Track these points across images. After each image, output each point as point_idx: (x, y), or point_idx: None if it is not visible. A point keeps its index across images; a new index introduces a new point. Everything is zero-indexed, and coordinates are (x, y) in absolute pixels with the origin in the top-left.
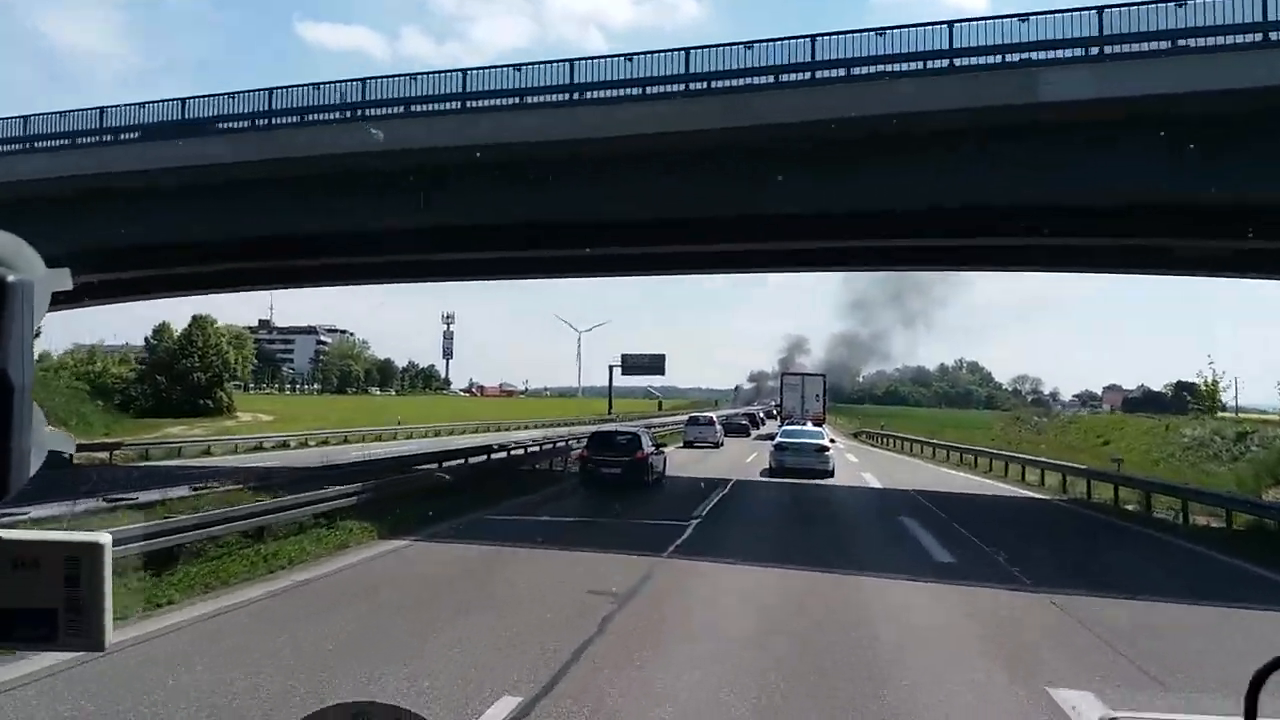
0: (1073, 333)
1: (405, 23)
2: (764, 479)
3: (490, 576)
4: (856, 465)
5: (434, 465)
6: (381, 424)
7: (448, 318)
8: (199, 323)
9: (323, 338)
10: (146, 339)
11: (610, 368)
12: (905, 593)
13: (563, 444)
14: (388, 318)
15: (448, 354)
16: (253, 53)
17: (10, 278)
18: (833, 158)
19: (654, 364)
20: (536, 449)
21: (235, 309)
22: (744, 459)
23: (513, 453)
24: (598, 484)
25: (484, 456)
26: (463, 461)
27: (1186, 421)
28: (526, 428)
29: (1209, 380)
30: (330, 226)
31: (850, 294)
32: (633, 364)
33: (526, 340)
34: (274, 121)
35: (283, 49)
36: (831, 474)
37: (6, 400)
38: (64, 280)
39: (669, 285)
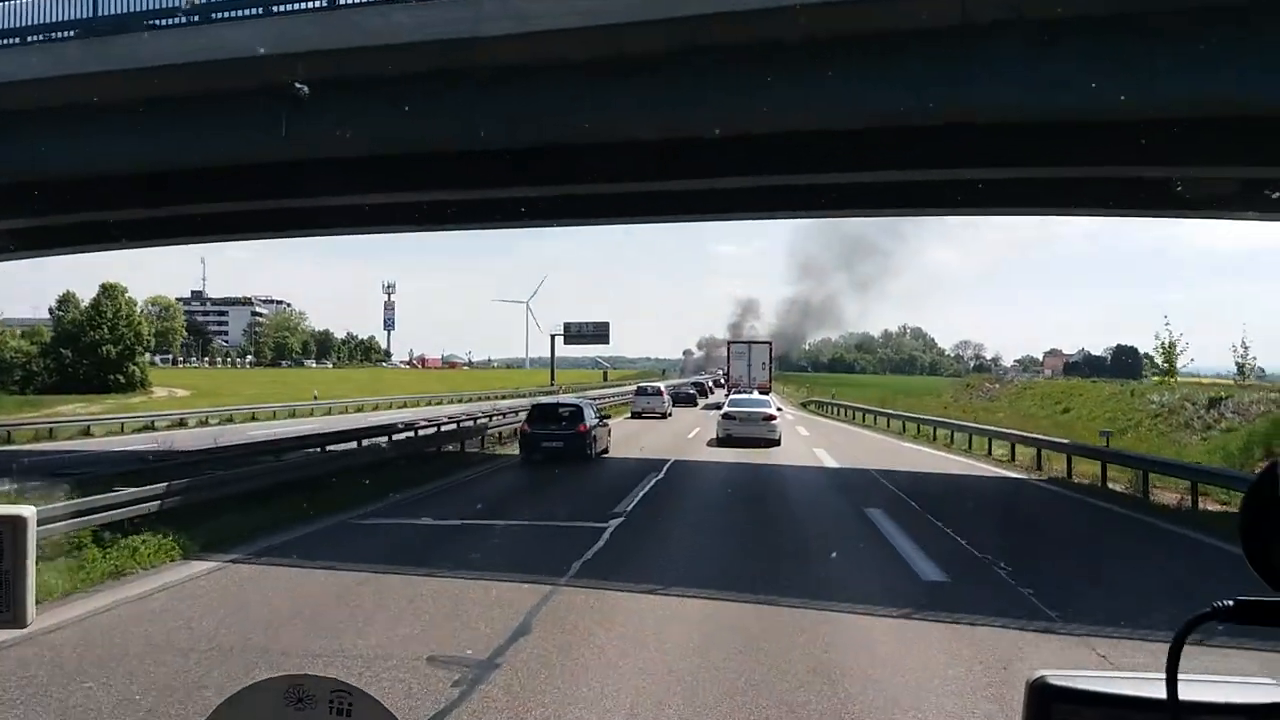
0: (1013, 300)
1: None
2: (706, 458)
3: (305, 627)
4: (808, 439)
5: (318, 449)
6: (305, 399)
7: (389, 287)
8: (108, 291)
9: (258, 309)
10: (51, 309)
11: (552, 337)
12: (894, 642)
13: (482, 420)
14: (329, 288)
15: (389, 325)
16: None
17: None
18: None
19: (598, 332)
20: (454, 426)
21: (166, 279)
22: (687, 433)
23: (421, 432)
24: (539, 458)
25: (384, 439)
26: (355, 445)
27: (1151, 387)
28: (459, 401)
29: (1166, 343)
30: (174, 159)
31: (801, 257)
32: (576, 333)
33: (474, 312)
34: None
35: None
36: (779, 443)
37: None
38: None
39: (619, 250)
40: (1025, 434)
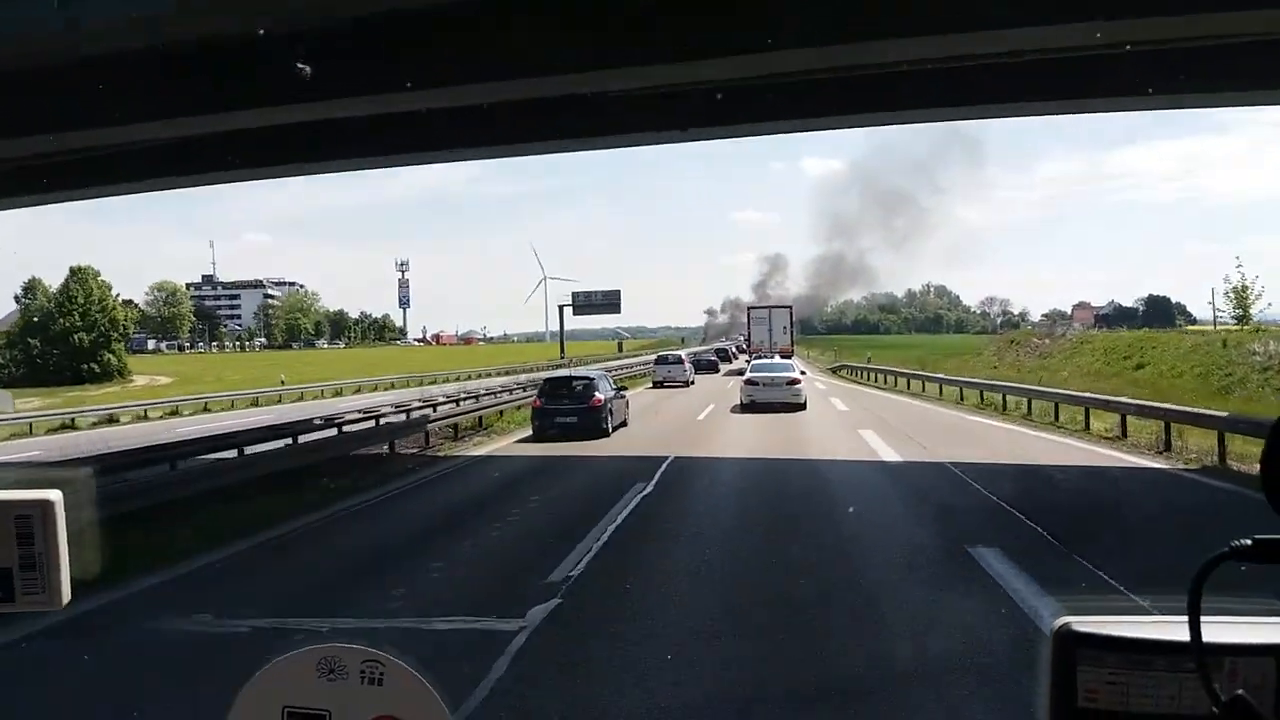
0: (1035, 257)
1: None
2: (716, 451)
3: None
4: (849, 417)
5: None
6: (294, 382)
7: (402, 265)
8: (77, 275)
9: (270, 291)
10: (16, 296)
11: (560, 308)
12: None
13: (423, 411)
14: (348, 270)
15: (404, 303)
16: None
17: None
18: None
19: (608, 301)
20: (403, 418)
21: (175, 264)
22: (699, 410)
23: (348, 428)
24: (554, 433)
25: (287, 439)
26: (237, 453)
27: (1247, 335)
28: (454, 380)
29: (1238, 286)
30: None
31: (830, 214)
32: (585, 303)
33: (494, 287)
34: None
35: None
36: (804, 407)
37: None
38: None
39: (638, 221)
40: (1144, 402)
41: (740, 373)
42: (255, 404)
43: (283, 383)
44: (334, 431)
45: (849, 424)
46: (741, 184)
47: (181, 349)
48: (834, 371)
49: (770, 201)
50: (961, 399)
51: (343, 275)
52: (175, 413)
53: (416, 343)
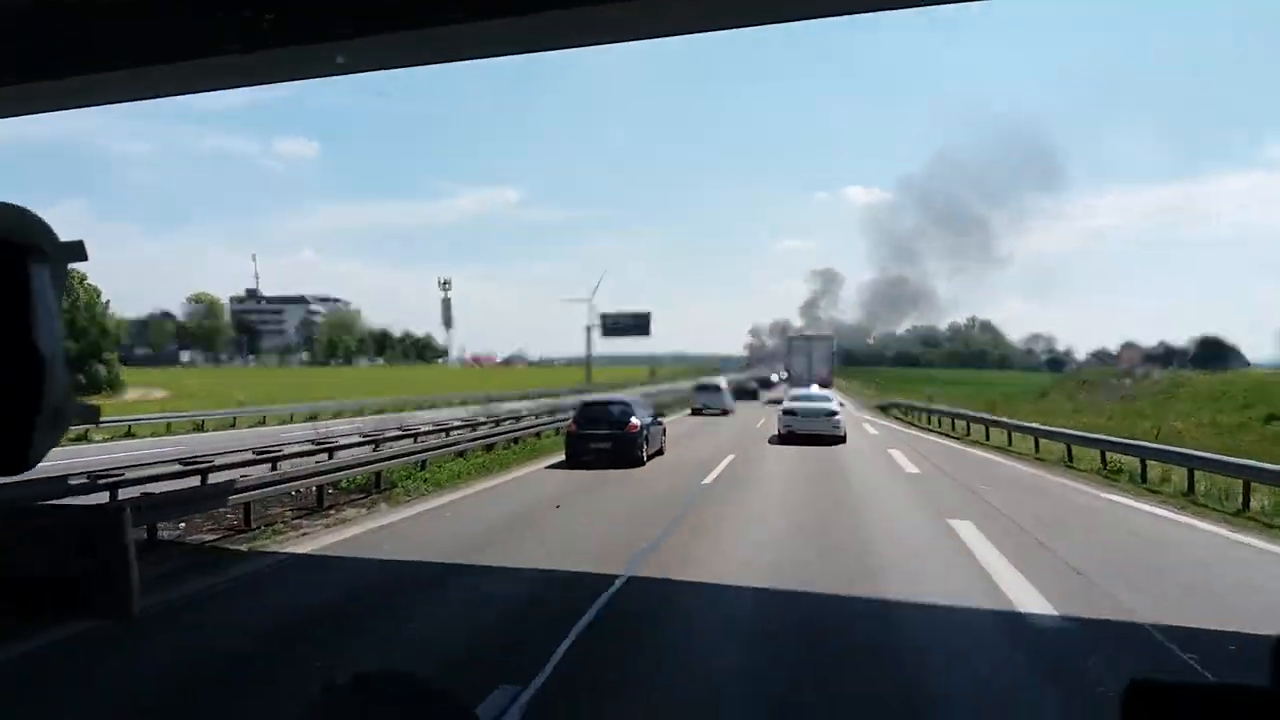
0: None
1: None
2: (720, 576)
3: None
4: (928, 490)
5: None
6: (311, 398)
7: (444, 284)
8: None
9: (314, 307)
10: None
11: (588, 329)
12: None
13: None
14: (393, 288)
15: (447, 322)
16: None
17: (30, 251)
18: None
19: (638, 324)
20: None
21: (223, 278)
22: (708, 469)
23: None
24: (588, 459)
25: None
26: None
27: None
28: (463, 404)
29: None
30: None
31: (889, 234)
32: (614, 325)
33: (540, 311)
34: None
35: None
36: (843, 439)
37: (37, 373)
38: (79, 252)
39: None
40: None
41: (778, 401)
42: (200, 429)
43: (240, 404)
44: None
45: (930, 505)
46: (783, 213)
47: (218, 361)
48: (884, 410)
49: (813, 230)
50: (1070, 460)
51: (391, 295)
52: (81, 438)
53: (458, 363)
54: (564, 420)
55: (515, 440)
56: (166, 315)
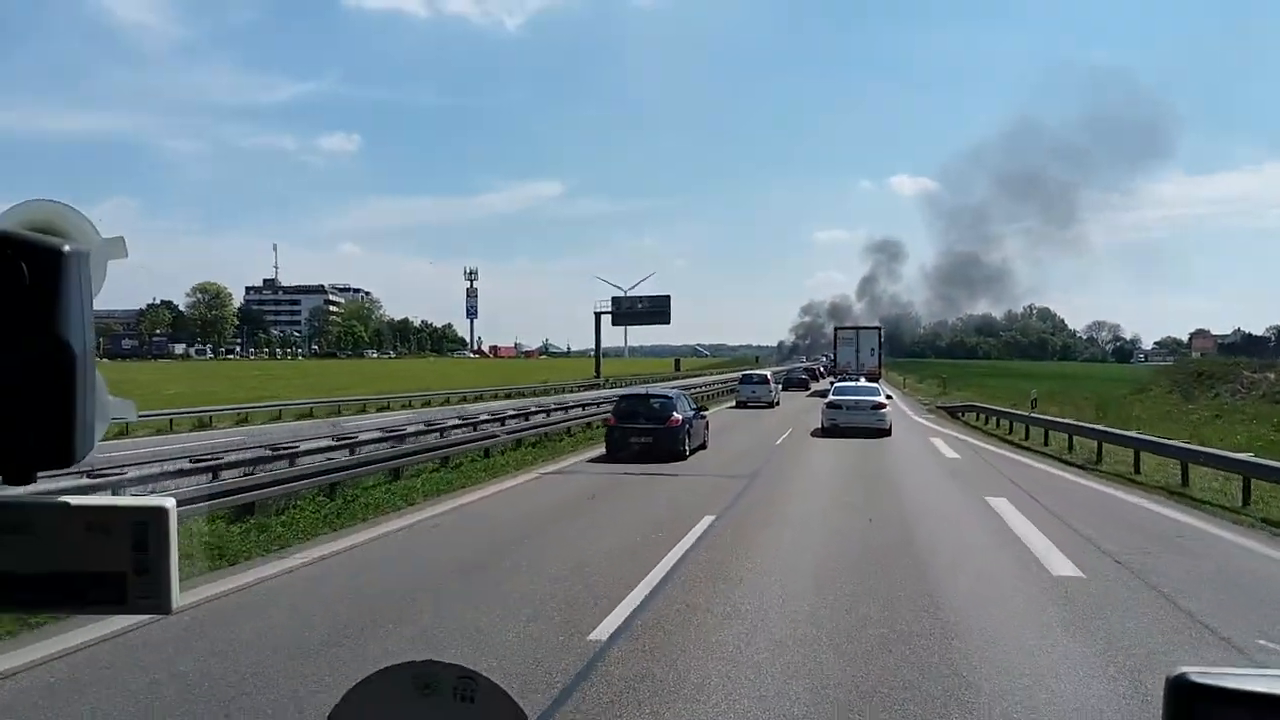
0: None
1: None
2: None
3: None
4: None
5: None
6: (279, 397)
7: (470, 274)
8: None
9: (332, 297)
10: None
11: (598, 316)
12: None
13: None
14: (428, 281)
15: (471, 313)
16: (294, 20)
17: (66, 247)
18: None
19: (655, 309)
20: None
21: (240, 266)
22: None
23: None
24: (628, 454)
25: None
26: None
27: None
28: (446, 401)
29: None
30: None
31: (964, 210)
32: (628, 310)
33: (574, 302)
34: None
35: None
36: (888, 432)
37: (69, 368)
38: (119, 249)
39: (715, 243)
40: None
41: (824, 394)
42: (125, 433)
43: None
44: None
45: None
46: (826, 202)
47: (218, 353)
48: (952, 415)
49: (857, 220)
50: (1246, 502)
51: (426, 287)
52: None
53: (473, 354)
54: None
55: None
56: (167, 305)
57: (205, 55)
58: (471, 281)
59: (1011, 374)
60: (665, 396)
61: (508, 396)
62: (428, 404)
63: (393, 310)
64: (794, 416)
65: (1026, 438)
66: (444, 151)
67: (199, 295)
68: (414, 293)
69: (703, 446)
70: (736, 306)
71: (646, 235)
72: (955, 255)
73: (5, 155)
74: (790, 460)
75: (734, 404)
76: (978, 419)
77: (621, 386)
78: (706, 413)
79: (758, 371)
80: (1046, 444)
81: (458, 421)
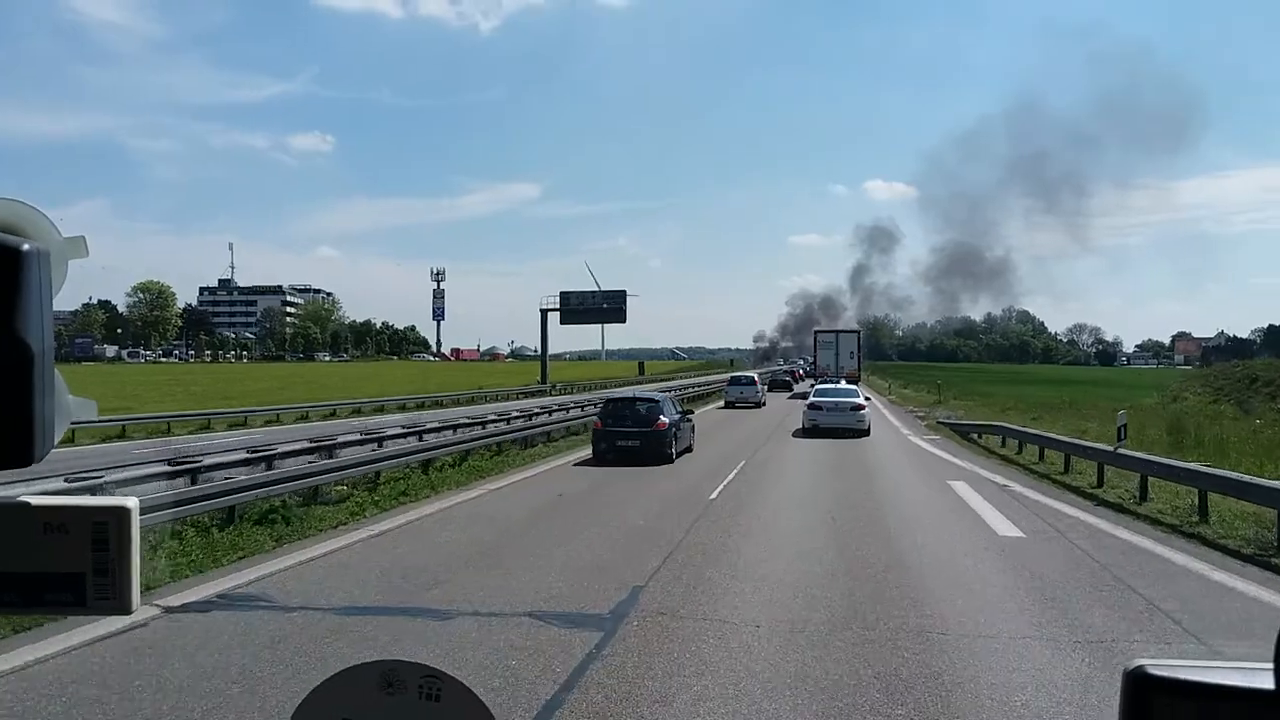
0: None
1: None
2: None
3: None
4: None
5: None
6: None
7: (437, 275)
8: None
9: (290, 298)
10: None
11: (543, 314)
12: None
13: None
14: (401, 283)
15: (439, 315)
16: (266, 22)
17: (25, 246)
18: None
19: (608, 306)
20: None
21: (212, 267)
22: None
23: None
24: (613, 457)
25: None
26: None
27: None
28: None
29: None
30: None
31: (963, 198)
32: (578, 305)
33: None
34: None
35: (294, 17)
36: (867, 432)
37: (27, 368)
38: (79, 249)
39: (689, 246)
40: None
41: (805, 395)
42: None
43: None
44: None
45: None
46: (800, 208)
47: (166, 355)
48: (963, 435)
49: (831, 225)
50: None
51: (399, 289)
52: None
53: (432, 358)
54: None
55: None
56: (102, 305)
57: (177, 55)
58: (438, 283)
59: (1006, 379)
60: (652, 400)
61: (419, 407)
62: (304, 418)
63: (366, 312)
64: (777, 422)
65: (1100, 484)
66: (420, 154)
67: (140, 295)
68: (388, 295)
69: (689, 450)
70: (713, 309)
71: (621, 236)
72: (954, 247)
73: None
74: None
75: (722, 404)
76: (1002, 444)
77: (572, 393)
78: (693, 416)
79: (745, 374)
80: (1144, 498)
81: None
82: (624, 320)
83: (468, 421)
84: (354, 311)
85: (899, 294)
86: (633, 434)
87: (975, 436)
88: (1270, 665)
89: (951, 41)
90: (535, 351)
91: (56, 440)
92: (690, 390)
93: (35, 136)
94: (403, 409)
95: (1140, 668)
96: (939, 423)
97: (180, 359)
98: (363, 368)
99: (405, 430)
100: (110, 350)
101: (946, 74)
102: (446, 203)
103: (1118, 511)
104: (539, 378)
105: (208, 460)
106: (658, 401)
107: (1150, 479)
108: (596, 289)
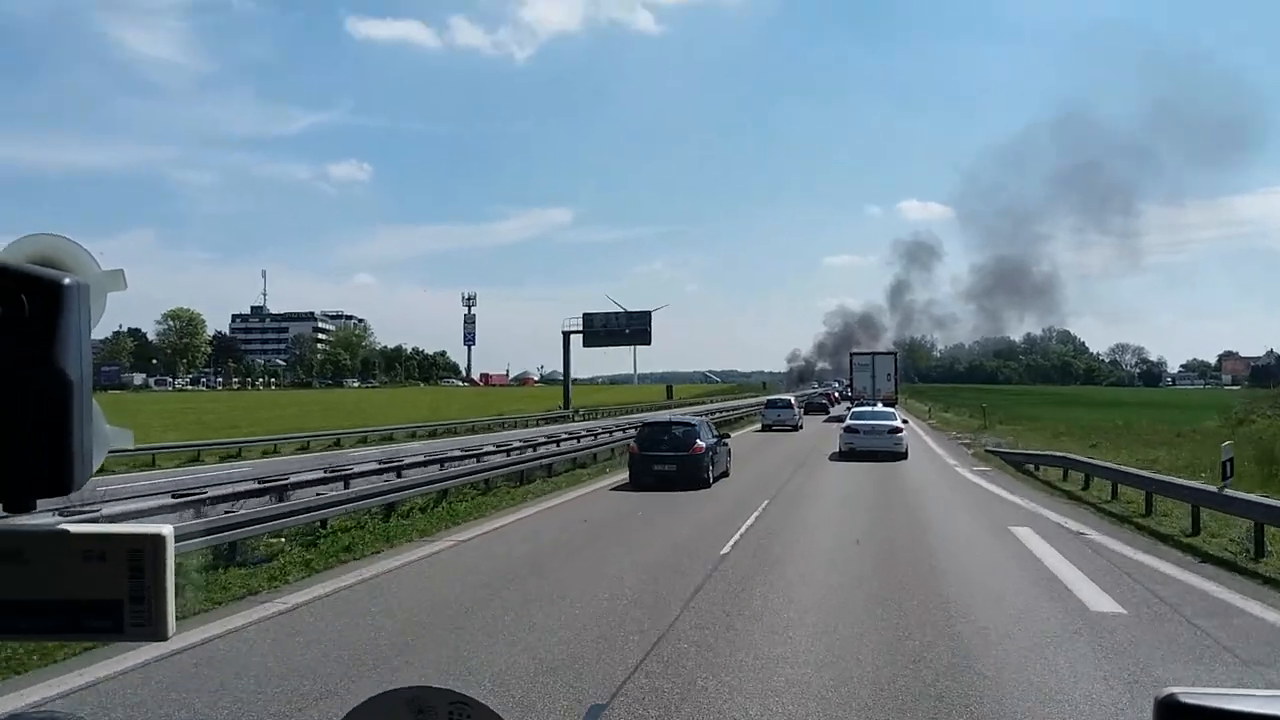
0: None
1: (453, 12)
2: None
3: None
4: None
5: None
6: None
7: (468, 300)
8: None
9: (322, 324)
10: None
11: (566, 336)
12: None
13: None
14: (423, 306)
15: (469, 340)
16: (307, 52)
17: (66, 280)
18: None
19: (633, 328)
20: None
21: (238, 292)
22: None
23: None
24: (649, 481)
25: None
26: None
27: None
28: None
29: None
30: None
31: (1004, 209)
32: (602, 328)
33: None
34: None
35: (335, 47)
36: (905, 455)
37: (66, 398)
38: (118, 281)
39: (723, 270)
40: None
41: (840, 419)
42: None
43: None
44: None
45: None
46: (835, 227)
47: (197, 382)
48: (1022, 470)
49: (865, 246)
50: None
51: (435, 315)
52: None
53: (461, 383)
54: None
55: None
56: (132, 333)
57: (221, 88)
58: (470, 307)
59: (1052, 401)
60: (688, 424)
61: (431, 435)
62: (304, 448)
63: (401, 338)
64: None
65: (1195, 531)
66: (456, 181)
67: (170, 323)
68: (423, 321)
69: (725, 475)
70: (748, 332)
71: (656, 261)
72: (997, 263)
73: (27, 188)
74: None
75: (759, 427)
76: (1064, 478)
77: (595, 418)
78: (729, 439)
79: (782, 397)
80: (1260, 552)
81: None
82: (649, 342)
83: (459, 454)
84: (389, 338)
85: (940, 311)
86: (669, 458)
87: (1031, 468)
88: None
89: (981, 60)
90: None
91: (95, 469)
92: (718, 415)
93: (85, 169)
94: (413, 437)
95: (1172, 695)
96: (988, 451)
97: (208, 386)
98: (389, 394)
99: (380, 465)
100: (139, 378)
101: (977, 93)
102: (482, 228)
103: (1231, 571)
104: (561, 404)
105: (107, 509)
106: (694, 426)
107: (1267, 527)
108: (620, 310)
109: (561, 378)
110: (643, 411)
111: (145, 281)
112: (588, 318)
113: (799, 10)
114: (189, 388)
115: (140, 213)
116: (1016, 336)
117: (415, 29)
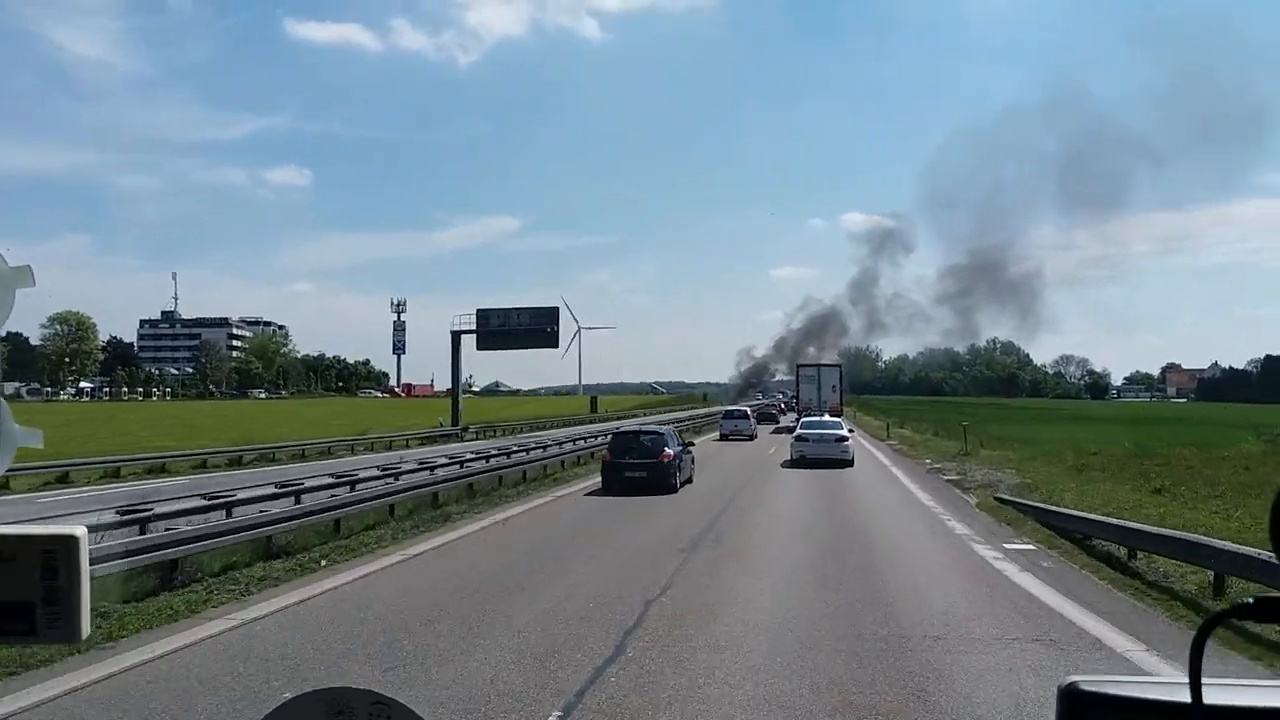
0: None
1: (395, 15)
2: None
3: None
4: None
5: None
6: None
7: (397, 306)
8: None
9: (237, 330)
10: None
11: (455, 336)
12: None
13: None
14: (351, 313)
15: (399, 349)
16: (246, 54)
17: None
18: None
19: (535, 326)
20: None
21: (140, 296)
22: None
23: None
24: (620, 488)
25: None
26: None
27: None
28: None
29: None
30: None
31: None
32: (499, 328)
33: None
34: None
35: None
36: (851, 463)
37: None
38: (26, 278)
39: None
40: None
41: (790, 429)
42: None
43: None
44: None
45: None
46: (778, 238)
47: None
48: (1049, 528)
49: (809, 258)
50: None
51: (367, 323)
52: None
53: (380, 394)
54: None
55: None
56: (12, 337)
57: (158, 90)
58: (398, 314)
59: (1016, 416)
60: (656, 433)
61: (272, 460)
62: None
63: (333, 347)
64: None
65: None
66: (398, 187)
67: (57, 326)
68: (358, 330)
69: (689, 481)
70: (694, 343)
71: (603, 271)
72: (972, 255)
73: None
74: None
75: (717, 436)
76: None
77: (485, 437)
78: (694, 447)
79: (739, 408)
80: None
81: None
82: (555, 345)
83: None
84: (325, 346)
85: (906, 308)
86: (639, 465)
87: (1122, 553)
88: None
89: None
90: (507, 387)
91: (4, 468)
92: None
93: (14, 171)
94: (237, 462)
95: (1073, 684)
96: (999, 500)
97: (93, 397)
98: (289, 406)
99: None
100: (10, 387)
101: (920, 104)
102: (424, 236)
103: None
104: (451, 420)
105: None
106: (662, 434)
107: None
108: (522, 307)
109: (503, 389)
110: (557, 428)
111: (79, 286)
112: (482, 314)
113: (743, 16)
114: (66, 398)
115: (74, 218)
116: (982, 341)
117: (355, 31)
